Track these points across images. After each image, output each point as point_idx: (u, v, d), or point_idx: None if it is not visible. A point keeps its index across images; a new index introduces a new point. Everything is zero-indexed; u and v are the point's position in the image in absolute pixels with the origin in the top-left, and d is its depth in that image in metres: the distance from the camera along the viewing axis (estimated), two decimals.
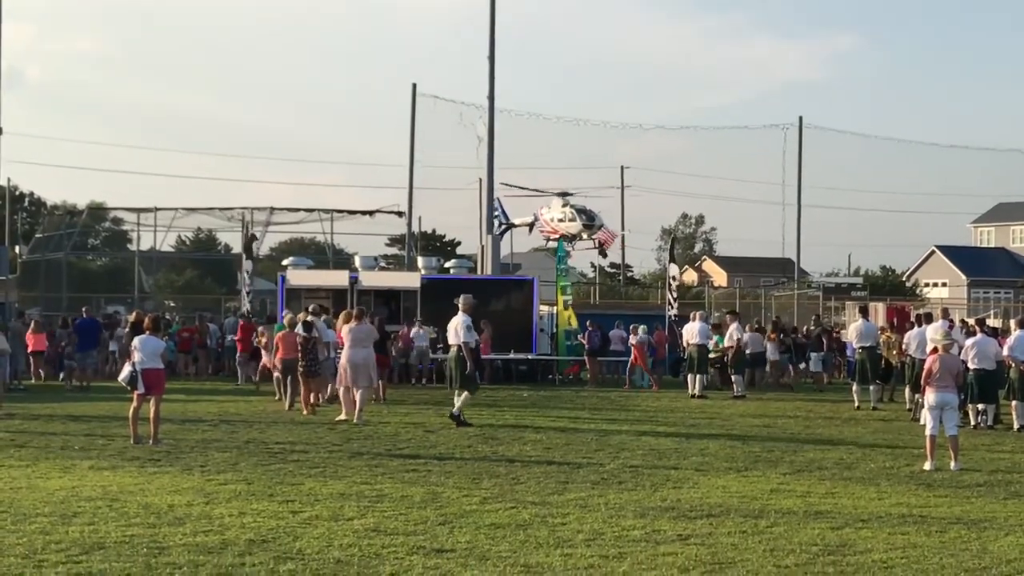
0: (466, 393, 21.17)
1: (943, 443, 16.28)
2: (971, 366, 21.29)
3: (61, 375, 32.05)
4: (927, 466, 15.99)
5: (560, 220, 44.77)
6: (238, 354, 32.83)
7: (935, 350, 16.78)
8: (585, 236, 42.86)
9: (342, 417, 21.69)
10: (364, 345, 22.32)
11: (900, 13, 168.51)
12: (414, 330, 32.02)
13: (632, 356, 32.71)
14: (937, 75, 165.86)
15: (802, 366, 34.06)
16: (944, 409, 16.30)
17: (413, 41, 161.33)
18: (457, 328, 21.33)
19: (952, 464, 15.98)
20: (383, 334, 27.75)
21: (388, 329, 29.67)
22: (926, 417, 16.62)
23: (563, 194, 44.38)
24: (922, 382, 17.02)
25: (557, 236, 44.25)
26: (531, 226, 48.95)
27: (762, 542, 10.69)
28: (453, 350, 21.51)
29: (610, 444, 18.34)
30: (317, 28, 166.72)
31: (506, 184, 47.49)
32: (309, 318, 24.13)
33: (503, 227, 42.93)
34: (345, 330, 22.64)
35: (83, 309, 33.52)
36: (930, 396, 16.44)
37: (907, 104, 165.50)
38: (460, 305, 21.67)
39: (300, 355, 23.40)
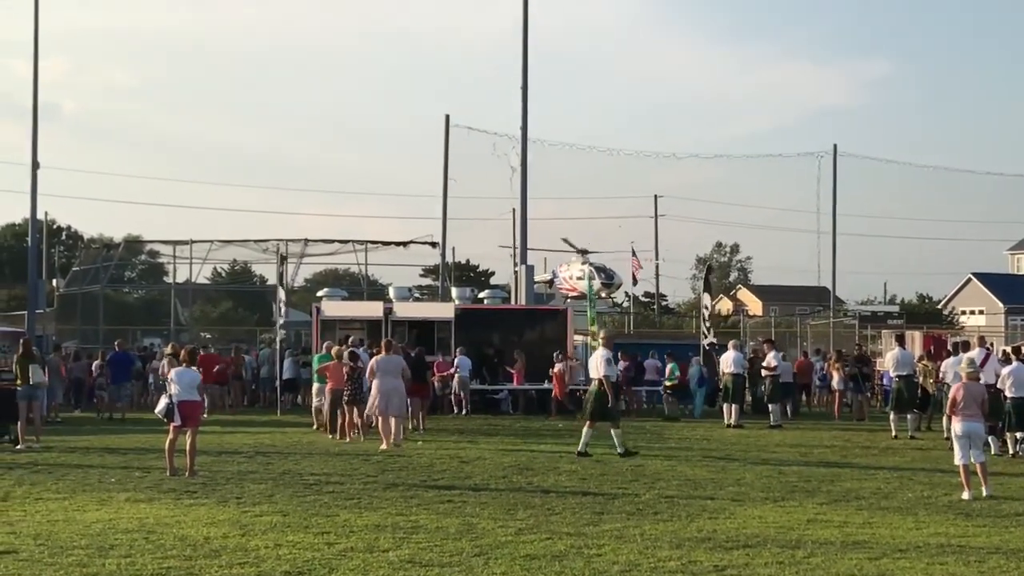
0: (614, 427, 21.33)
1: (976, 470, 16.23)
2: (1008, 394, 21.13)
3: (78, 409, 32.58)
4: (965, 495, 15.92)
5: (579, 278, 45.01)
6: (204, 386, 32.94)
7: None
8: (604, 295, 42.93)
9: (384, 447, 22.02)
10: (393, 376, 22.85)
11: (934, 40, 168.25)
12: (458, 359, 31.90)
13: (553, 387, 32.07)
14: (973, 101, 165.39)
15: (867, 394, 33.70)
16: (971, 438, 16.25)
17: (446, 72, 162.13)
18: (598, 362, 21.63)
19: (984, 490, 15.99)
20: (422, 364, 27.94)
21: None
22: (956, 447, 16.52)
23: (583, 252, 44.45)
24: (948, 412, 17.02)
25: (575, 294, 44.45)
26: (550, 283, 49.24)
27: (799, 573, 10.63)
28: (594, 384, 21.75)
29: (645, 474, 18.28)
30: (351, 59, 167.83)
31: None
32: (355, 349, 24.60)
33: None
34: (373, 361, 23.22)
35: (116, 343, 33.87)
36: (956, 426, 16.41)
37: (943, 131, 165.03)
38: (601, 340, 22.20)
39: (347, 383, 23.94)
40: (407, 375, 23.49)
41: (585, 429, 21.32)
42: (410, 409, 26.02)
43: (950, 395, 16.88)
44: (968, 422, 16.22)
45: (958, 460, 16.31)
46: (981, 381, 17.31)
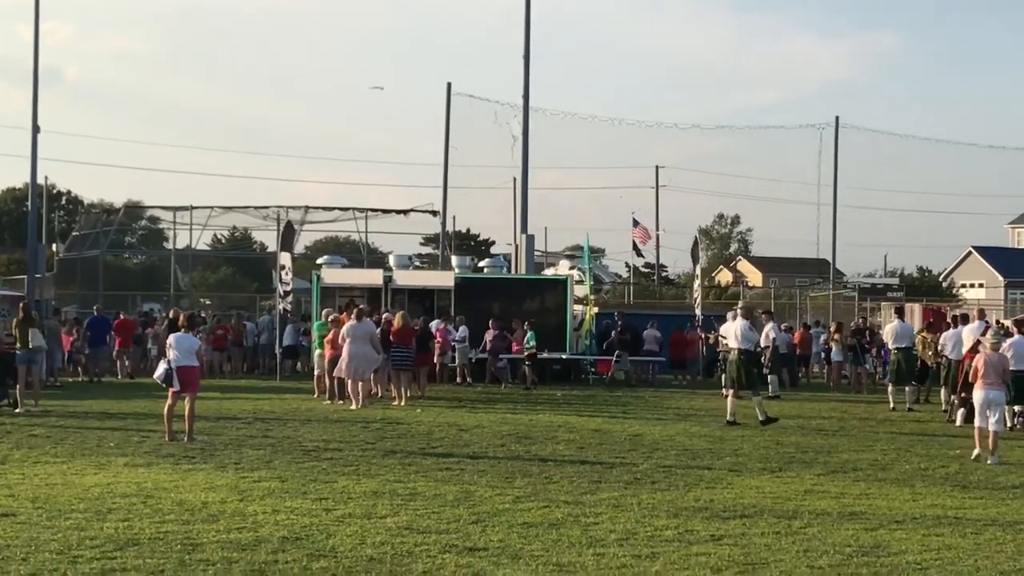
0: (758, 396, 22.13)
1: (988, 436, 16.97)
2: (1009, 367, 21.15)
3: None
4: (976, 451, 16.93)
5: None
6: (115, 349, 33.69)
7: (973, 349, 17.39)
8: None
9: (354, 408, 23.46)
10: (364, 342, 24.02)
11: (939, 13, 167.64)
12: (460, 331, 31.71)
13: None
14: (976, 75, 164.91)
15: (867, 366, 33.69)
16: (991, 404, 16.99)
17: (449, 40, 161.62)
18: (738, 332, 22.32)
19: (990, 458, 16.64)
20: (427, 335, 28.12)
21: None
22: (976, 412, 17.43)
23: (572, 256, 44.49)
24: (971, 380, 17.79)
25: None
26: None
27: (796, 543, 10.65)
28: (734, 353, 22.51)
29: (643, 444, 18.31)
30: (354, 26, 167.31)
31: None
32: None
33: None
34: (346, 328, 24.27)
35: (94, 308, 34.45)
36: (978, 393, 17.21)
37: (945, 104, 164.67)
38: (739, 311, 23.31)
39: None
40: (375, 341, 24.54)
41: (730, 399, 22.20)
42: (416, 377, 27.03)
43: (974, 365, 17.60)
44: (989, 390, 17.04)
45: (977, 422, 17.25)
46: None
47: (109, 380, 31.81)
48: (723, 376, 25.77)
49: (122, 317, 34.73)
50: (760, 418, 21.56)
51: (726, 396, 22.71)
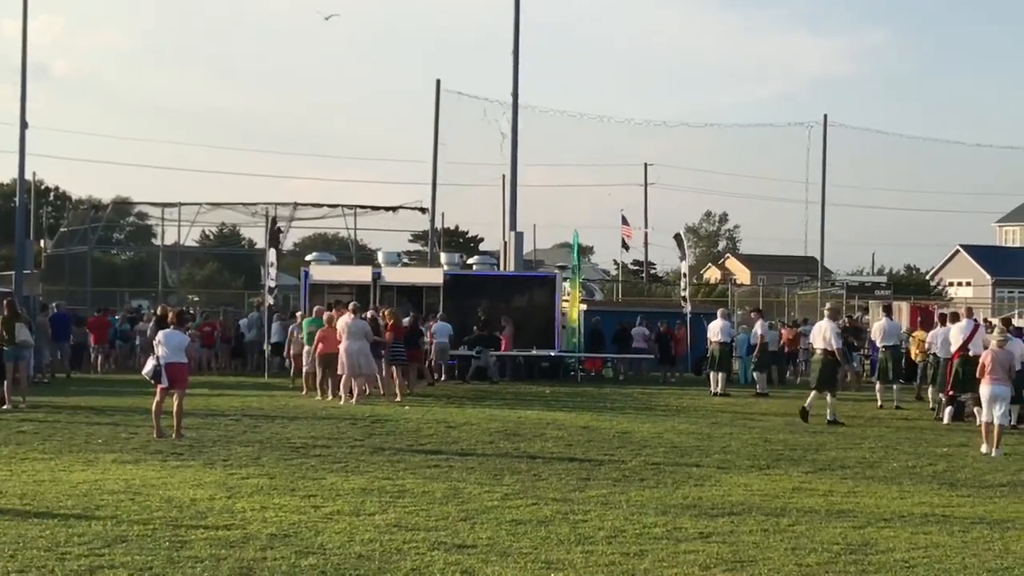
0: (831, 395, 22.45)
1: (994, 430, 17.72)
2: None
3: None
4: (983, 449, 17.50)
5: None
6: (91, 345, 34.06)
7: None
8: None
9: (344, 403, 23.93)
10: (358, 338, 24.31)
11: (929, 11, 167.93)
12: (435, 325, 31.64)
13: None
14: (965, 73, 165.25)
15: (854, 364, 33.65)
16: (997, 399, 17.69)
17: (438, 37, 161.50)
18: (825, 333, 22.68)
19: (993, 451, 17.37)
20: (416, 330, 28.10)
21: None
22: (982, 406, 18.24)
23: (562, 267, 44.63)
24: (978, 375, 18.42)
25: None
26: None
27: (784, 541, 10.66)
28: (819, 353, 22.84)
29: (632, 441, 18.32)
30: (343, 24, 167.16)
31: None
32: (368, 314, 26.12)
33: None
34: (341, 324, 24.55)
35: (55, 304, 34.57)
36: (984, 388, 17.96)
37: (934, 102, 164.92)
38: (827, 312, 23.66)
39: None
40: (370, 337, 24.73)
41: (813, 396, 22.45)
42: (404, 374, 26.84)
43: (981, 361, 18.38)
44: (995, 385, 17.77)
45: (983, 418, 18.02)
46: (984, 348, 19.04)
47: (62, 376, 31.47)
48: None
49: (95, 315, 35.06)
50: (829, 418, 21.89)
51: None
